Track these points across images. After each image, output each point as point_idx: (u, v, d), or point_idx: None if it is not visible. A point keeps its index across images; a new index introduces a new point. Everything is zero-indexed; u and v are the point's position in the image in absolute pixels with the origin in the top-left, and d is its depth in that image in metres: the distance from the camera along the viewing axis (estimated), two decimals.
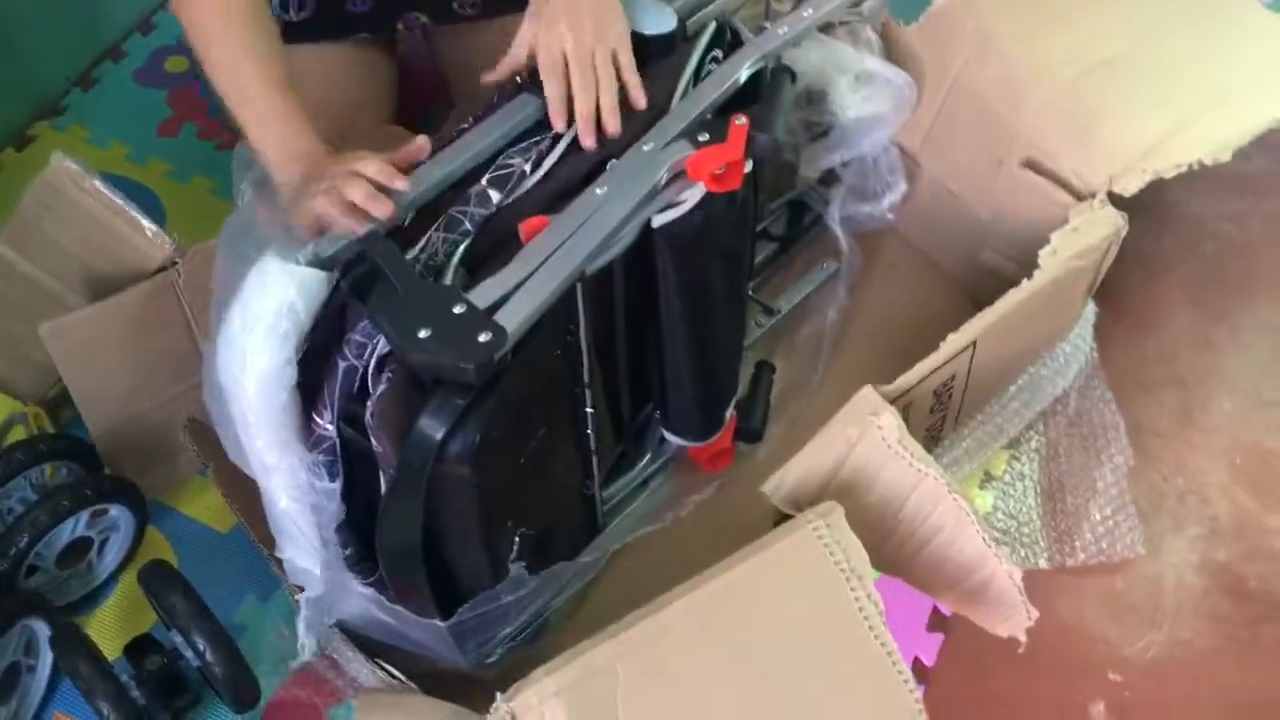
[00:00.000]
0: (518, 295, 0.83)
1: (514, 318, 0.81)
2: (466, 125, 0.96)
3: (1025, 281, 1.09)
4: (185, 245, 1.12)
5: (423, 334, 0.76)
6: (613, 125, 0.97)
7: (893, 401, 1.03)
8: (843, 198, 1.29)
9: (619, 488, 1.15)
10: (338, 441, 0.84)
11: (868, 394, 0.98)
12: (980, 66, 1.25)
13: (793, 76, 1.14)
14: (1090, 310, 1.24)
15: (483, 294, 0.82)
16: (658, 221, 0.96)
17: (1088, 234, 1.13)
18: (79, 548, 1.10)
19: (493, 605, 0.91)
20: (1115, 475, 1.23)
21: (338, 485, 0.85)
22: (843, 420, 0.98)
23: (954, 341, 1.06)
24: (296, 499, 0.85)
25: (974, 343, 1.08)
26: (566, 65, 0.96)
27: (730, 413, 1.17)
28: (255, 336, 0.78)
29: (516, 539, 0.93)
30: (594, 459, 1.04)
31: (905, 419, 1.07)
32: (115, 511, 1.10)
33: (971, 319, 1.07)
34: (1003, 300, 1.09)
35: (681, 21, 1.07)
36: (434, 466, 0.80)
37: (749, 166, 0.99)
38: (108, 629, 1.12)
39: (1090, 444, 1.26)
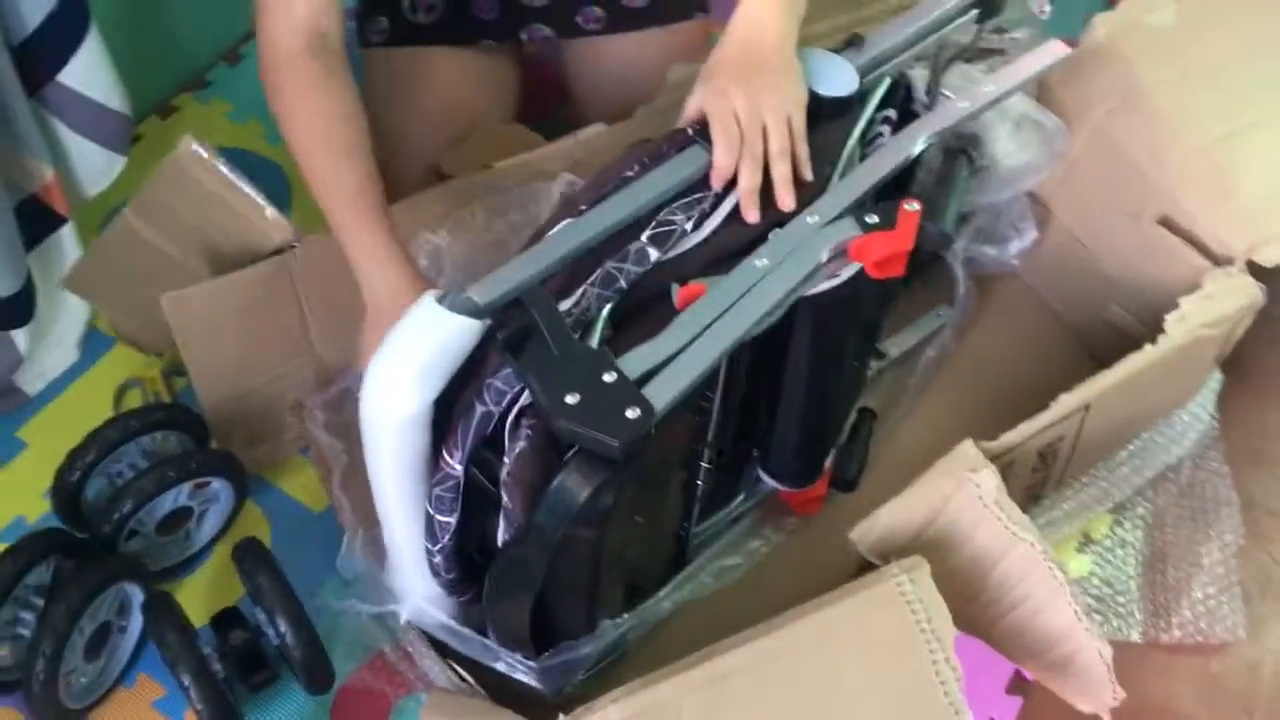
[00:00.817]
0: (669, 369, 0.81)
1: (664, 394, 0.79)
2: (632, 173, 0.93)
3: (1149, 346, 1.05)
4: (303, 230, 1.14)
5: (570, 399, 0.75)
6: (786, 201, 0.93)
7: (994, 459, 1.00)
8: (969, 238, 1.26)
9: (711, 524, 1.14)
10: (463, 481, 0.83)
11: (968, 449, 0.96)
12: (1123, 116, 1.20)
13: (969, 159, 1.11)
14: (1216, 379, 1.19)
15: (634, 362, 0.81)
16: (810, 291, 0.93)
17: (1221, 302, 1.08)
18: (179, 516, 1.13)
19: (577, 653, 0.91)
20: (1223, 553, 1.17)
21: (454, 519, 0.85)
22: (939, 473, 0.96)
23: (1066, 402, 1.02)
24: (411, 529, 0.86)
25: (1087, 405, 1.04)
26: (741, 130, 0.92)
27: (829, 461, 1.15)
28: (402, 379, 0.78)
29: (620, 588, 0.93)
30: (697, 504, 1.04)
31: (1005, 477, 1.05)
32: (217, 484, 1.14)
33: (1088, 380, 1.04)
34: (1124, 363, 1.05)
35: (860, 79, 1.03)
36: (566, 527, 0.79)
37: None
38: (198, 597, 1.16)
39: (1200, 517, 1.21)
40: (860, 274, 0.95)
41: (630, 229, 0.89)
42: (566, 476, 0.77)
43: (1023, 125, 1.18)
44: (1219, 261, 1.13)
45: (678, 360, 0.82)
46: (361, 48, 1.36)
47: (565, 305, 0.84)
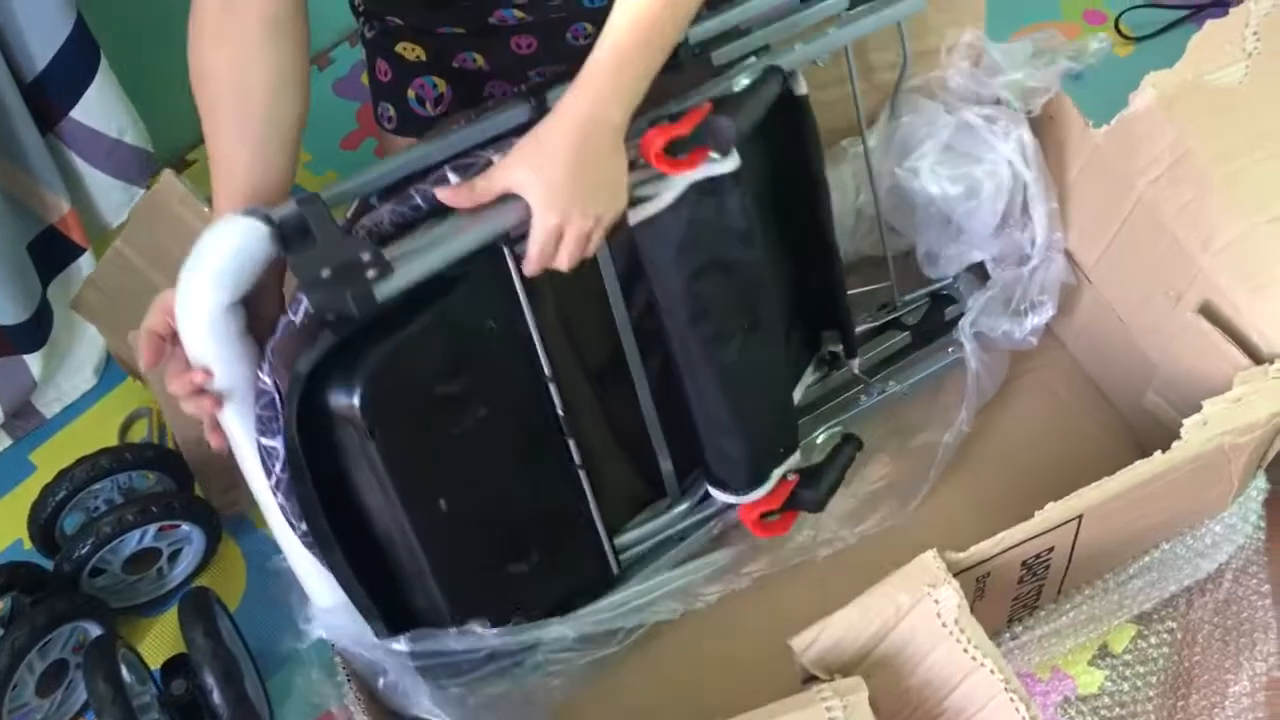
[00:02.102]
0: (426, 248, 0.86)
1: (412, 262, 0.84)
2: (458, 125, 0.95)
3: (1159, 454, 0.94)
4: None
5: (325, 273, 0.80)
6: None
7: (965, 570, 0.92)
8: (982, 307, 1.16)
9: (646, 533, 1.11)
10: (276, 395, 0.84)
11: (928, 561, 0.87)
12: (1169, 187, 1.08)
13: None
14: (1259, 487, 1.06)
15: (398, 248, 0.85)
16: (635, 217, 0.94)
17: (1253, 408, 0.96)
18: (148, 555, 1.14)
19: (441, 643, 0.94)
20: (1253, 684, 1.05)
21: (280, 443, 0.84)
22: (895, 585, 0.87)
23: (1052, 513, 0.92)
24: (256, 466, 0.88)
25: (1080, 516, 0.94)
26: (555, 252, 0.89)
27: (787, 475, 1.10)
28: (202, 279, 0.82)
29: (468, 530, 0.92)
30: (581, 475, 1.00)
31: (983, 588, 0.96)
32: (186, 528, 1.13)
33: (1081, 490, 0.93)
34: (1126, 472, 0.94)
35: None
36: (323, 408, 0.83)
37: (727, 164, 0.96)
38: (166, 637, 1.16)
39: (1233, 639, 1.08)
40: (687, 195, 0.95)
41: (441, 163, 0.92)
42: (308, 346, 0.81)
43: (948, 157, 1.11)
44: (1260, 360, 1.00)
45: (435, 240, 0.86)
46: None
47: (366, 220, 0.89)
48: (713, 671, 1.08)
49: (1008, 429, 1.23)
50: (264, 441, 0.86)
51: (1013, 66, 1.14)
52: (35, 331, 1.27)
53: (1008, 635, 1.03)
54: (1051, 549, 0.96)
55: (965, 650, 0.86)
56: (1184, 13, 1.60)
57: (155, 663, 1.09)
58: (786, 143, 1.08)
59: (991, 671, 0.85)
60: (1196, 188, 1.06)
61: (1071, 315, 1.23)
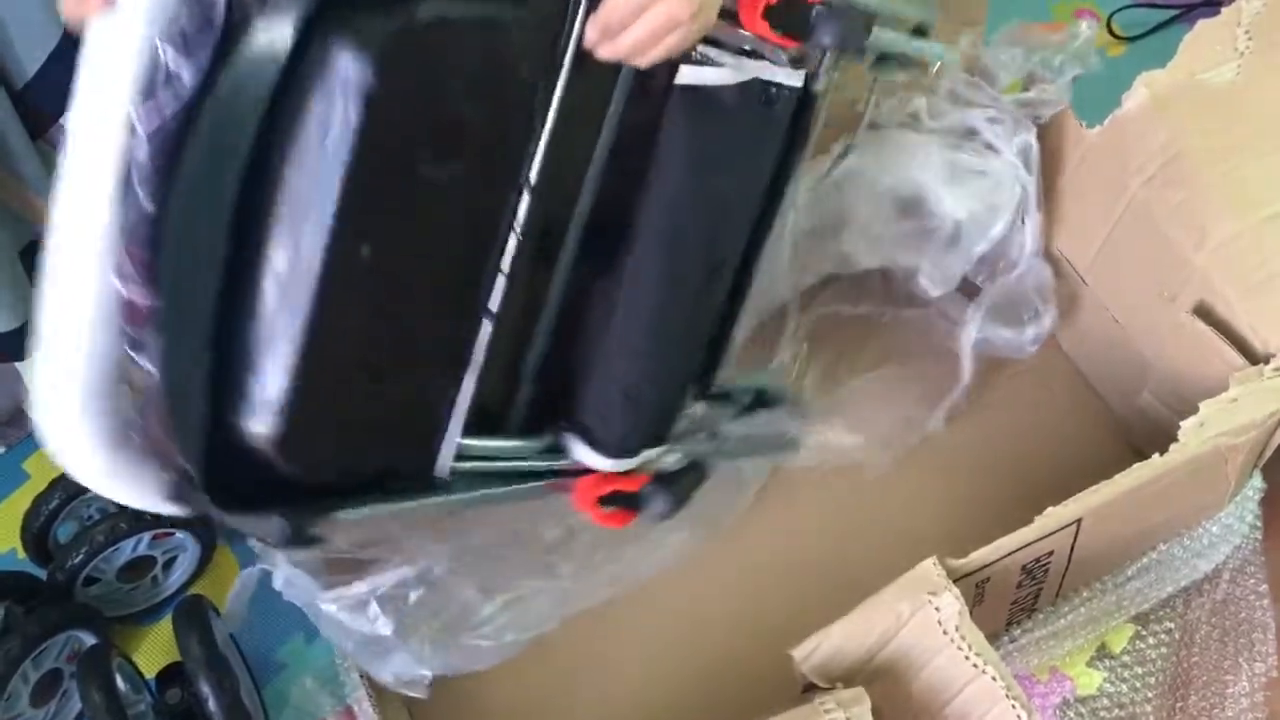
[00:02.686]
0: None
1: None
2: None
3: (1157, 457, 0.94)
4: None
5: None
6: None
7: (965, 576, 0.91)
8: (982, 318, 1.15)
9: (477, 449, 0.85)
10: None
11: (928, 569, 0.87)
12: (1163, 187, 1.08)
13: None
14: (1255, 486, 1.07)
15: None
16: (687, 76, 0.79)
17: (1249, 409, 0.96)
18: (143, 564, 1.13)
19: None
20: (1252, 684, 1.05)
21: (189, 70, 0.60)
22: (895, 593, 0.87)
23: (1052, 517, 0.92)
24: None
25: (1079, 520, 0.94)
26: None
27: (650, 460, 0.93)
28: None
29: (365, 301, 0.71)
30: (485, 325, 0.79)
31: (982, 593, 0.96)
32: (180, 535, 1.13)
33: (1079, 494, 0.93)
34: (1126, 475, 0.94)
35: None
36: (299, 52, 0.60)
37: (795, 78, 0.82)
38: (161, 645, 1.15)
39: (1231, 640, 1.08)
40: (751, 85, 0.81)
41: None
42: None
43: (959, 176, 1.09)
44: (1257, 359, 1.00)
45: None
46: None
47: None
48: (709, 680, 1.08)
49: (1002, 431, 1.23)
50: (168, 57, 0.60)
51: (1011, 72, 1.13)
52: (26, 339, 1.26)
53: (1006, 638, 1.03)
54: (1051, 553, 0.96)
55: (966, 657, 0.85)
56: (1175, 12, 1.60)
57: (150, 672, 1.08)
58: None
59: (993, 678, 0.85)
60: (1190, 188, 1.06)
61: (1066, 317, 1.23)
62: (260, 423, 0.69)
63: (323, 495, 0.75)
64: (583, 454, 0.91)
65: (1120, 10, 1.61)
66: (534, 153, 0.76)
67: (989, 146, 1.12)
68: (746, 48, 0.82)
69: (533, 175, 0.76)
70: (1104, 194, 1.13)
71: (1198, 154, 1.06)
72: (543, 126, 0.75)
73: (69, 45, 1.16)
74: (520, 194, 0.76)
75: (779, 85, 0.83)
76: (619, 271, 0.86)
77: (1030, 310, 1.15)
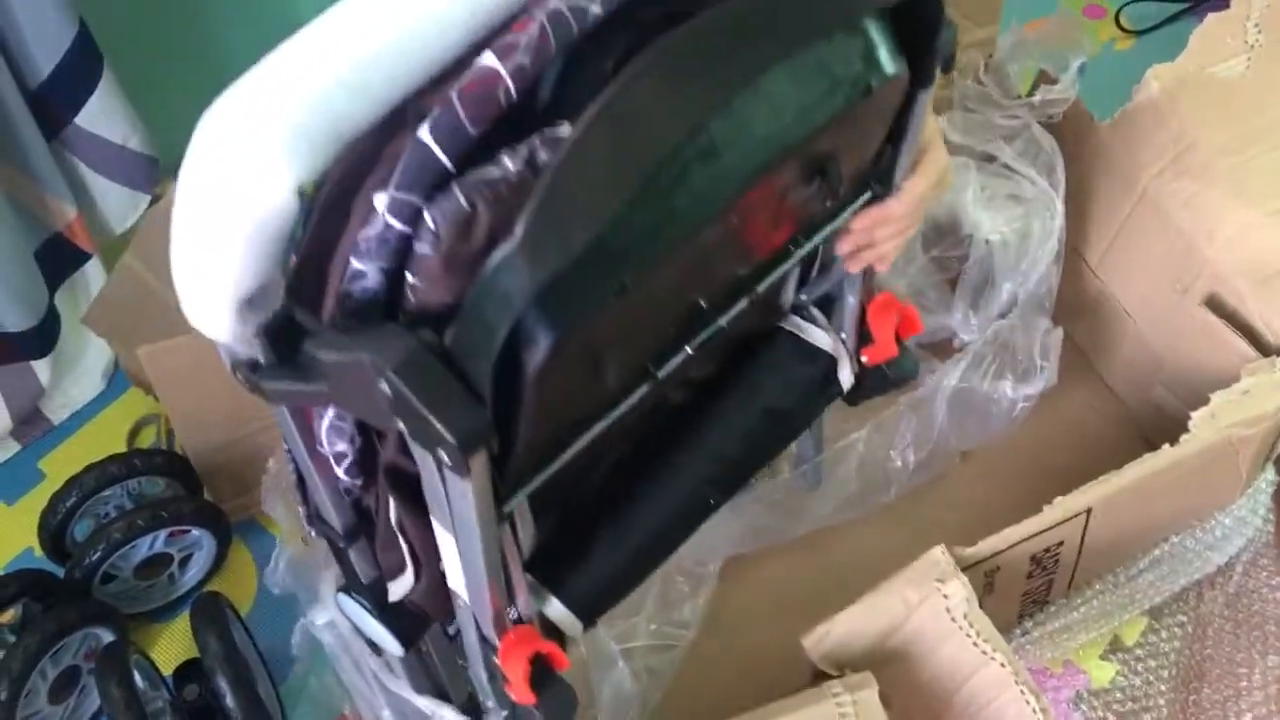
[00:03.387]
0: None
1: None
2: None
3: (1167, 447, 0.94)
4: None
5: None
6: None
7: (974, 565, 0.92)
8: (966, 366, 1.08)
9: None
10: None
11: (937, 556, 0.87)
12: (1174, 179, 1.08)
13: None
14: (1267, 479, 1.06)
15: None
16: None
17: (1260, 400, 0.96)
18: (158, 561, 1.14)
19: None
20: (1265, 677, 1.04)
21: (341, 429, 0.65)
22: (904, 581, 0.87)
23: (1061, 507, 0.92)
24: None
25: (1089, 510, 0.94)
26: None
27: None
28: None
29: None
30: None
31: (991, 582, 0.96)
32: (196, 533, 1.14)
33: (1089, 484, 0.93)
34: (1136, 465, 0.94)
35: None
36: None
37: None
38: (178, 642, 1.16)
39: (1244, 632, 1.08)
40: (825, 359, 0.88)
41: None
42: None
43: (995, 198, 1.07)
44: (1268, 351, 1.00)
45: None
46: None
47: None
48: (721, 668, 1.08)
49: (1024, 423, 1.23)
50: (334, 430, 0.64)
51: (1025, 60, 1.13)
52: (42, 338, 1.27)
53: (1019, 631, 1.03)
54: (1061, 543, 0.96)
55: (975, 644, 0.86)
56: (1183, 6, 1.60)
57: (167, 668, 1.09)
58: None
59: (1001, 665, 0.85)
60: (1201, 180, 1.06)
61: (1077, 309, 1.23)
62: None
63: None
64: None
65: (1129, 4, 1.61)
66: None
67: (1009, 168, 1.10)
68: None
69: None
70: (1116, 187, 1.14)
71: (1209, 147, 1.06)
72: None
73: (82, 45, 1.18)
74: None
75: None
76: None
77: (1029, 363, 1.10)
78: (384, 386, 0.55)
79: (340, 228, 0.58)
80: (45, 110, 1.19)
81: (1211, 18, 1.10)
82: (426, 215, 0.55)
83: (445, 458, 0.56)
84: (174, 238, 0.59)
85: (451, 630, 0.86)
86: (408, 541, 0.73)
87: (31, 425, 1.33)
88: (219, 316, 0.59)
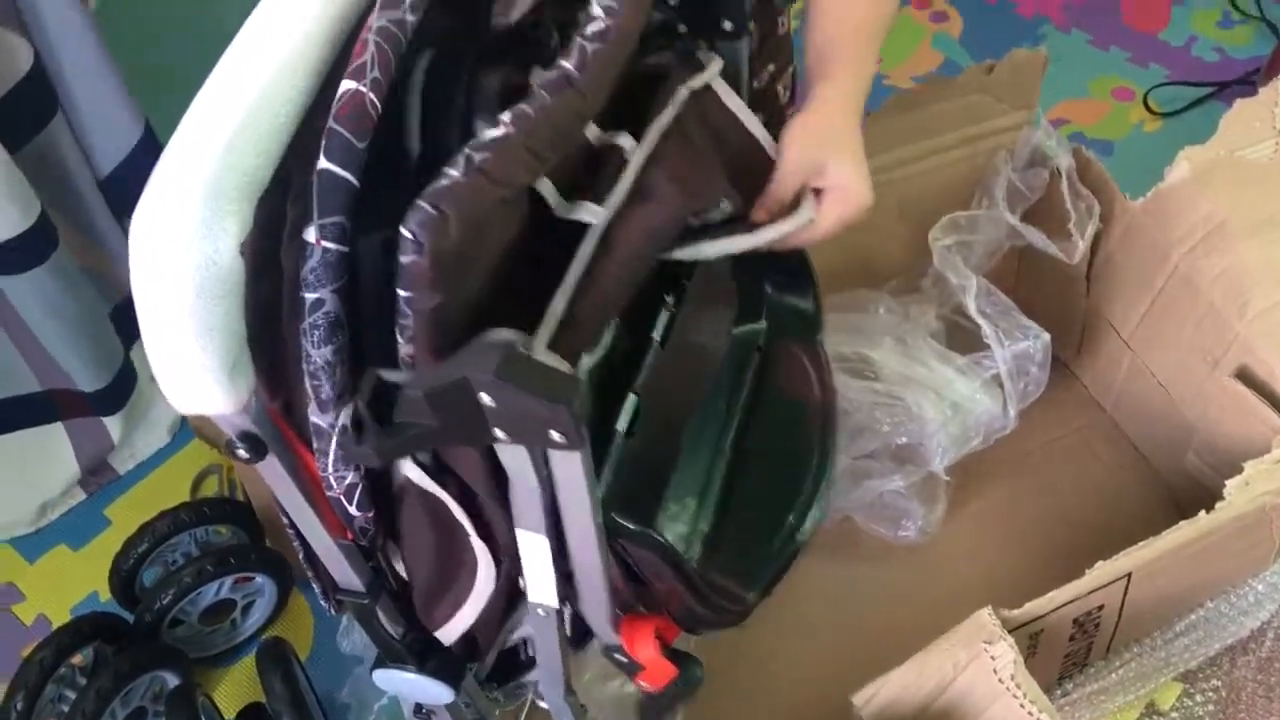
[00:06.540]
0: None
1: None
2: None
3: (1204, 514, 0.98)
4: None
5: None
6: None
7: (1019, 627, 0.95)
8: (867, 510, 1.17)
9: None
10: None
11: (984, 619, 0.91)
12: (1205, 256, 1.13)
13: None
14: None
15: None
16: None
17: None
18: (223, 607, 1.18)
19: None
20: None
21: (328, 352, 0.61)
22: (953, 642, 0.91)
23: (1102, 571, 0.96)
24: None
25: (1129, 574, 0.98)
26: None
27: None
28: None
29: None
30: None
31: (1035, 644, 0.99)
32: (260, 579, 1.18)
33: (1130, 549, 0.97)
34: (1174, 531, 0.97)
35: None
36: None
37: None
38: (240, 686, 1.20)
39: (1276, 697, 1.10)
40: None
41: None
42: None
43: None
44: None
45: None
46: None
47: None
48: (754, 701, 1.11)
49: (1050, 489, 1.27)
50: (312, 351, 0.61)
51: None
52: (115, 396, 1.33)
53: (1059, 692, 1.06)
54: (1101, 606, 0.99)
55: (1022, 705, 0.89)
56: (1209, 90, 1.65)
57: (229, 712, 1.13)
58: None
59: None
60: (1231, 257, 1.11)
61: (1111, 379, 1.28)
62: None
63: None
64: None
65: (1157, 87, 1.67)
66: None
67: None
68: None
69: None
70: (1148, 262, 1.18)
71: (1239, 226, 1.11)
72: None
73: (145, 144, 1.24)
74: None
75: None
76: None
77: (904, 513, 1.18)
78: (484, 398, 0.59)
79: (277, 281, 0.61)
80: (116, 193, 1.25)
81: (1240, 103, 1.15)
82: (404, 231, 0.58)
83: (556, 436, 0.60)
84: (144, 332, 0.61)
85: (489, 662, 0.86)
86: (494, 553, 0.73)
87: (98, 475, 1.39)
88: (211, 390, 0.60)
